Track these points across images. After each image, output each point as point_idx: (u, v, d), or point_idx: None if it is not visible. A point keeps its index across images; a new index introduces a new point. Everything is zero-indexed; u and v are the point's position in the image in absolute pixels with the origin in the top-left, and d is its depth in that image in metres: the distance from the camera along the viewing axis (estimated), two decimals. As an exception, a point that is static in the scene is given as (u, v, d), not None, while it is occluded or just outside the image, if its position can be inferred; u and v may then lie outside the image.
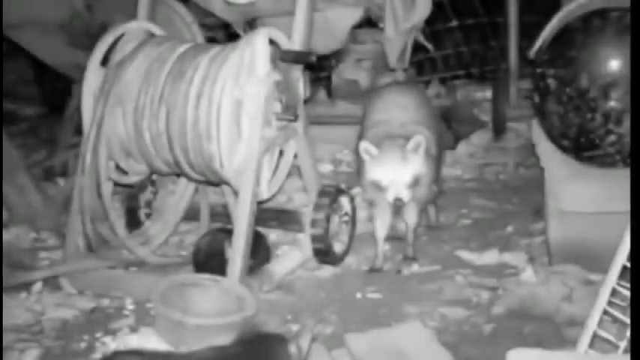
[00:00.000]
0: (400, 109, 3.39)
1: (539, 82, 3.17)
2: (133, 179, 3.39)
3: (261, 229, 3.28)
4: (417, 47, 4.59)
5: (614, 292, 2.30)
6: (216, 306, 2.85)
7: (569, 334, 2.74)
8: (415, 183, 3.15)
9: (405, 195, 3.12)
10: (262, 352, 2.36)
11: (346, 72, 4.63)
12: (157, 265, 3.33)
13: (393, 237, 3.44)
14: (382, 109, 3.44)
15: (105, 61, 3.36)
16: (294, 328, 2.88)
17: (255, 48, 3.08)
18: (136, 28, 3.45)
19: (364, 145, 3.17)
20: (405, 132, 3.23)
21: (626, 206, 2.41)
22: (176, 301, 2.79)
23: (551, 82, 3.10)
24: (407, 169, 3.13)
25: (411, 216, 3.36)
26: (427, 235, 3.61)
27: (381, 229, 3.35)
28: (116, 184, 3.38)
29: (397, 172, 3.12)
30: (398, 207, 3.20)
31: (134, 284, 3.14)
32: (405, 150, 3.13)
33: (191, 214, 3.59)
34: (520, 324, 2.85)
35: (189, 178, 3.38)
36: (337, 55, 4.56)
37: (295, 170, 3.46)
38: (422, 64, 5.40)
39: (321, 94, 4.86)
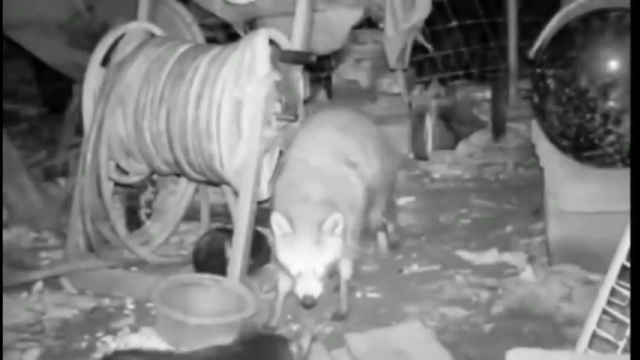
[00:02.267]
0: (323, 149, 2.95)
1: (538, 82, 3.17)
2: (133, 179, 3.39)
3: (261, 229, 3.28)
4: (417, 47, 4.60)
5: (613, 292, 2.31)
6: (216, 306, 2.85)
7: (568, 333, 2.75)
8: (331, 270, 2.79)
9: (316, 290, 2.70)
10: (264, 351, 2.36)
11: (346, 72, 4.63)
12: (158, 264, 3.33)
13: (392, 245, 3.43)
14: (303, 144, 3.00)
15: (105, 62, 3.37)
16: (295, 327, 2.89)
17: (256, 48, 3.09)
18: (136, 28, 3.46)
19: (275, 218, 2.73)
20: (321, 195, 2.80)
21: (625, 206, 2.42)
22: (176, 300, 2.79)
23: (551, 83, 3.11)
24: (319, 260, 2.71)
25: (344, 268, 2.94)
26: (427, 235, 3.62)
27: (285, 283, 2.89)
28: (117, 184, 3.39)
29: (309, 264, 2.70)
30: (306, 306, 2.74)
31: (135, 284, 3.14)
32: (319, 232, 2.71)
33: (191, 214, 3.60)
34: (519, 324, 2.86)
35: (190, 178, 3.39)
36: (337, 56, 4.58)
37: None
38: (421, 65, 5.40)
39: (321, 94, 4.86)
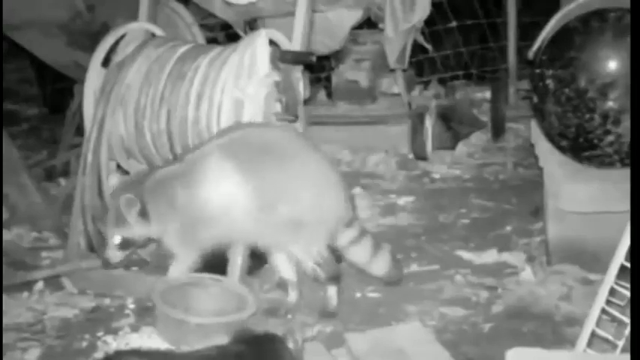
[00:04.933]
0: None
1: (537, 82, 3.18)
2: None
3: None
4: (417, 48, 4.61)
5: (612, 292, 2.31)
6: (216, 305, 2.86)
7: (567, 333, 2.76)
8: (126, 246, 2.90)
9: (114, 256, 2.91)
10: (265, 350, 2.37)
11: (346, 72, 4.64)
12: (158, 264, 3.33)
13: None
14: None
15: (106, 62, 3.37)
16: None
17: (256, 49, 3.09)
18: (136, 28, 3.46)
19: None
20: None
21: (624, 206, 2.43)
22: (177, 300, 2.80)
23: (550, 83, 3.11)
24: (118, 232, 2.88)
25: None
26: (426, 235, 3.63)
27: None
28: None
29: (110, 233, 2.91)
30: (105, 265, 2.97)
31: (135, 284, 3.14)
32: (119, 209, 2.85)
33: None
34: (519, 323, 2.86)
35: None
36: (337, 56, 4.59)
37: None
38: (421, 65, 5.41)
39: (321, 94, 4.87)
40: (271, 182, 2.80)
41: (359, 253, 2.93)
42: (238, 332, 2.47)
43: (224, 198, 2.81)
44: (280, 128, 3.07)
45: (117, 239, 2.88)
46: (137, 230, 2.86)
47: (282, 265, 2.98)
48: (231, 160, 2.81)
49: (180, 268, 2.92)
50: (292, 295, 2.99)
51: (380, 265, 2.98)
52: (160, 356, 2.49)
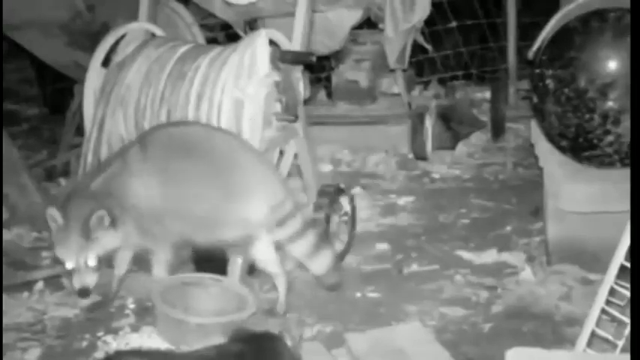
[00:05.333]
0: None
1: (537, 82, 3.18)
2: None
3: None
4: (416, 48, 4.62)
5: (612, 292, 2.32)
6: (216, 305, 2.86)
7: (567, 333, 2.76)
8: (106, 263, 2.85)
9: (91, 282, 2.80)
10: (264, 349, 2.37)
11: (346, 72, 4.64)
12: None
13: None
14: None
15: (106, 62, 3.37)
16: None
17: (256, 49, 3.09)
18: (137, 28, 3.46)
19: (50, 212, 2.80)
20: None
21: (624, 206, 2.43)
22: (177, 300, 2.80)
23: (550, 83, 3.11)
24: (90, 253, 2.78)
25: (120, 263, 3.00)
26: (426, 235, 3.63)
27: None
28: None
29: (80, 257, 2.78)
30: (83, 295, 2.84)
31: (135, 283, 3.15)
32: (87, 226, 2.75)
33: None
34: (519, 323, 2.86)
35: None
36: (337, 56, 4.59)
37: (295, 170, 3.47)
38: (421, 65, 5.42)
39: (321, 94, 4.87)
40: (184, 181, 2.84)
41: (298, 248, 2.93)
42: (236, 331, 2.47)
43: (150, 195, 2.84)
44: (205, 127, 3.04)
45: (92, 260, 2.79)
46: (109, 243, 2.81)
47: (265, 261, 2.95)
48: (150, 159, 2.85)
49: (161, 265, 2.92)
50: (281, 290, 2.98)
51: (319, 264, 2.97)
52: (160, 356, 2.49)
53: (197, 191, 2.85)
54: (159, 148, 2.90)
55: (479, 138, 4.75)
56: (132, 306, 3.07)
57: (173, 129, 3.00)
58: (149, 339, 2.79)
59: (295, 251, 2.95)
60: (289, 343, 2.50)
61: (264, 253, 2.93)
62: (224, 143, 2.94)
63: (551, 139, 3.24)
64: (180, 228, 2.88)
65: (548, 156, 3.29)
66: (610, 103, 3.00)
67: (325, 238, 3.05)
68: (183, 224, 2.87)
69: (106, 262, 2.92)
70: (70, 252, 2.79)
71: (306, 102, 3.41)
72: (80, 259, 2.79)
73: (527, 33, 4.27)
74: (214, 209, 2.85)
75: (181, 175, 2.85)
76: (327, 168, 4.40)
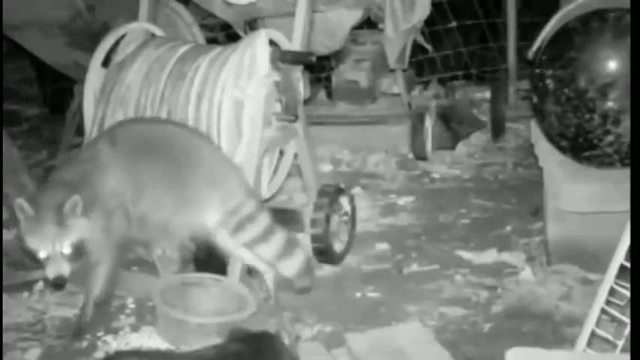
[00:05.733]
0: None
1: (537, 82, 3.18)
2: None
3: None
4: (416, 48, 4.62)
5: (612, 292, 2.32)
6: (216, 305, 2.86)
7: (567, 332, 2.76)
8: (79, 253, 2.76)
9: (66, 271, 2.72)
10: (263, 348, 2.37)
11: (346, 72, 4.64)
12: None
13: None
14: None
15: (106, 62, 3.37)
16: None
17: (256, 49, 3.09)
18: (137, 29, 3.46)
19: (19, 203, 2.72)
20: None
21: (624, 206, 2.43)
22: (177, 300, 2.80)
23: (550, 83, 3.12)
24: (64, 241, 2.71)
25: (95, 281, 2.90)
26: (426, 235, 3.63)
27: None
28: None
29: (55, 246, 2.71)
30: (57, 286, 2.77)
31: (135, 283, 3.15)
32: (61, 214, 2.69)
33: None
34: (519, 323, 2.86)
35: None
36: (337, 56, 4.59)
37: (295, 170, 3.48)
38: (421, 65, 5.42)
39: (321, 94, 4.87)
40: (145, 184, 2.85)
41: (263, 251, 2.91)
42: (234, 331, 2.47)
43: (118, 190, 2.84)
44: (171, 126, 3.04)
45: (67, 248, 2.72)
46: (83, 230, 2.74)
47: (241, 259, 2.97)
48: (117, 156, 2.86)
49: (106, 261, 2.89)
50: (269, 285, 2.99)
51: (288, 267, 2.95)
52: (160, 356, 2.50)
53: (156, 197, 2.86)
54: (126, 145, 2.89)
55: (479, 138, 4.75)
56: (132, 306, 3.07)
57: (141, 126, 3.02)
58: (149, 339, 2.80)
59: (262, 254, 2.93)
60: (286, 341, 2.50)
61: (234, 253, 2.93)
62: (187, 144, 2.94)
63: (551, 139, 3.24)
64: (142, 232, 2.90)
65: (548, 156, 3.29)
66: (610, 103, 3.01)
67: (295, 241, 3.01)
68: (144, 229, 2.89)
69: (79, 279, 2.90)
70: (43, 240, 2.71)
71: (306, 102, 3.41)
72: (56, 247, 2.71)
73: (527, 33, 4.27)
74: (170, 218, 2.88)
75: (144, 178, 2.86)
76: (327, 168, 4.40)
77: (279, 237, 2.92)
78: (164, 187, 2.87)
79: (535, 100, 3.23)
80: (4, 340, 2.84)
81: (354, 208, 3.49)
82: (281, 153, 3.29)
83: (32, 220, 2.72)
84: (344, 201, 3.43)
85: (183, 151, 2.92)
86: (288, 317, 2.92)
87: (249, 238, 2.89)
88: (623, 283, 2.28)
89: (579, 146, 3.11)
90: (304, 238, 3.31)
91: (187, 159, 2.91)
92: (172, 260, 3.00)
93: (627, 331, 2.24)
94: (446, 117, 4.73)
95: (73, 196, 2.70)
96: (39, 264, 2.76)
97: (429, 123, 4.51)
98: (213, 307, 2.85)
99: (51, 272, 2.73)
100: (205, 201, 2.88)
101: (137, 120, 3.11)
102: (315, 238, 3.27)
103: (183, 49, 3.26)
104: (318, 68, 4.89)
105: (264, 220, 2.91)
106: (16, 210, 2.74)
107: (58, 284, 2.75)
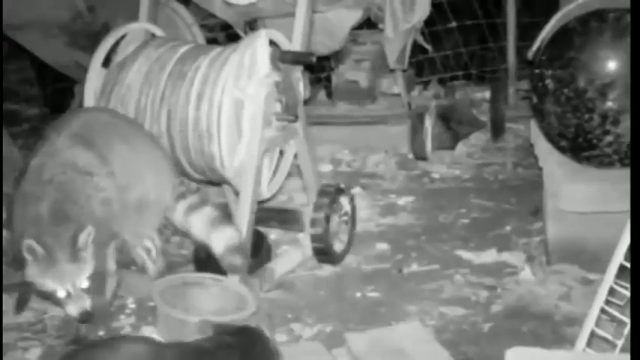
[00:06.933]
0: (56, 156, 2.77)
1: (537, 82, 3.18)
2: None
3: (261, 229, 3.30)
4: (416, 48, 4.62)
5: (612, 291, 2.32)
6: (216, 305, 2.86)
7: (567, 332, 2.76)
8: (99, 285, 2.77)
9: (89, 305, 2.63)
10: (254, 341, 2.37)
11: (346, 72, 4.64)
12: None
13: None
14: (39, 149, 2.80)
15: (107, 62, 3.38)
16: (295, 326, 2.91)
17: (256, 49, 3.10)
18: (137, 29, 3.47)
19: (29, 245, 2.54)
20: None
21: (623, 206, 2.44)
22: (177, 300, 2.80)
23: (550, 83, 3.12)
24: (83, 274, 2.63)
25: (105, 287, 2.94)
26: (426, 235, 3.63)
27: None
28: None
29: (74, 283, 2.61)
30: (87, 318, 2.66)
31: (135, 283, 3.15)
32: (75, 248, 2.60)
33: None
34: (518, 323, 2.87)
35: (190, 178, 3.39)
36: (337, 56, 4.59)
37: (295, 170, 3.48)
38: (421, 65, 5.42)
39: (321, 94, 4.87)
40: (122, 163, 2.87)
41: (195, 220, 2.98)
42: (217, 327, 2.45)
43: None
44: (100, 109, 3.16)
45: (85, 282, 2.63)
46: (95, 259, 2.69)
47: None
48: (85, 146, 2.82)
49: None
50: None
51: (216, 242, 2.94)
52: (159, 345, 2.47)
53: (127, 181, 2.87)
54: (86, 137, 2.84)
55: (478, 138, 4.75)
56: (132, 305, 3.08)
57: (85, 116, 3.02)
58: (149, 339, 2.80)
59: (193, 225, 2.98)
60: (267, 334, 2.51)
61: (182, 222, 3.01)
62: (131, 126, 3.06)
63: (550, 139, 3.24)
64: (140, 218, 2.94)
65: (548, 156, 3.30)
66: (609, 104, 3.01)
67: (227, 218, 3.04)
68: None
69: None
70: (62, 280, 2.60)
71: (306, 102, 3.42)
72: (76, 284, 2.62)
73: (527, 33, 4.28)
74: (147, 190, 2.93)
75: (121, 156, 2.88)
76: (327, 168, 4.40)
77: (209, 210, 2.99)
78: (140, 162, 2.94)
79: (535, 100, 3.23)
80: (4, 340, 2.84)
81: (354, 208, 3.49)
82: (281, 153, 3.29)
83: (44, 260, 2.57)
84: (344, 201, 3.43)
85: (131, 129, 3.03)
86: (264, 312, 2.91)
87: (185, 207, 2.98)
88: (622, 283, 2.28)
89: (579, 146, 3.12)
90: (304, 238, 3.32)
91: (140, 137, 3.01)
92: (158, 251, 3.06)
93: (627, 330, 2.25)
94: (446, 117, 4.73)
95: (87, 227, 2.61)
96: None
97: (428, 123, 4.51)
98: (213, 307, 2.85)
99: (74, 310, 2.63)
100: (169, 174, 3.01)
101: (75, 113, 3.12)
102: (315, 238, 3.27)
103: (183, 49, 3.27)
104: (318, 68, 4.89)
105: (197, 195, 3.06)
106: (24, 252, 2.57)
107: (85, 319, 2.66)
